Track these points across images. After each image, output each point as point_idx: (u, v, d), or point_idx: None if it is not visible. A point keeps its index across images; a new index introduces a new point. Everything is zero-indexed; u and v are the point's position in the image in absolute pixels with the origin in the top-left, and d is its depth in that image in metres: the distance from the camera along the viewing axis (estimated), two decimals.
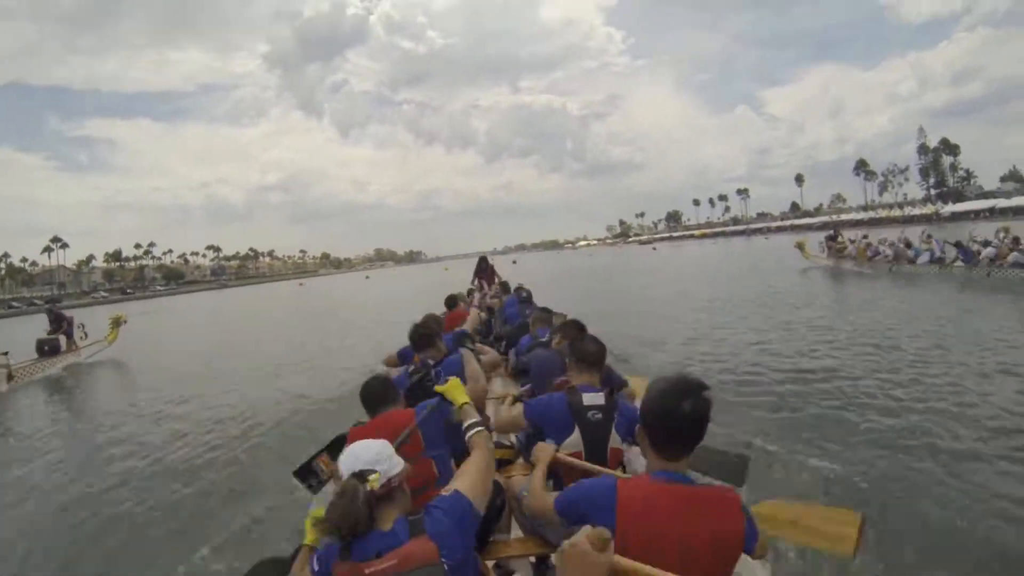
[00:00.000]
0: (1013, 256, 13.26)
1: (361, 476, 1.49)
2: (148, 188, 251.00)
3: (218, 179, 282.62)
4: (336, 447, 2.68)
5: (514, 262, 44.04)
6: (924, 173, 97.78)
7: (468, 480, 1.64)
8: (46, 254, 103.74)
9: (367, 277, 65.80)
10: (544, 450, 2.21)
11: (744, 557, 1.49)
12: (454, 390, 2.07)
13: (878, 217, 73.97)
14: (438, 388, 2.10)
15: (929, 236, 16.90)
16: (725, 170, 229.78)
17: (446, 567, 1.42)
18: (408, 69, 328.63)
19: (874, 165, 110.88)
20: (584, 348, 2.52)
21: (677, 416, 1.43)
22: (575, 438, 2.26)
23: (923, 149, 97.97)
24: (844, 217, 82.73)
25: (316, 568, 1.46)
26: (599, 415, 2.27)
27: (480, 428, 1.90)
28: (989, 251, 13.95)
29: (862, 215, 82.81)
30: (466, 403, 2.01)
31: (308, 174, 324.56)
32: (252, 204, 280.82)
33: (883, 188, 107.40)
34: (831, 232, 23.05)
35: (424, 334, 3.36)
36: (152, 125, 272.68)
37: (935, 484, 3.88)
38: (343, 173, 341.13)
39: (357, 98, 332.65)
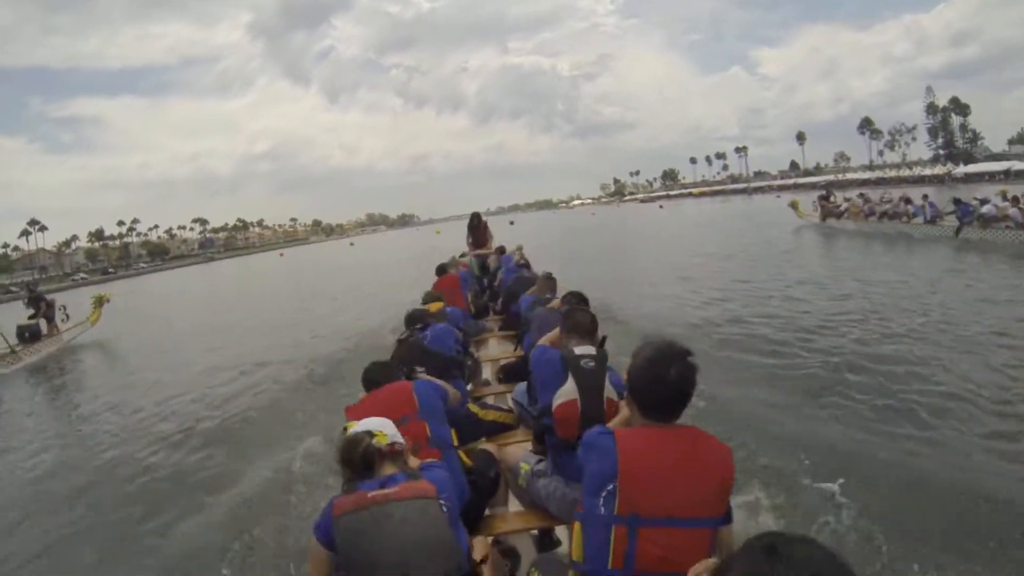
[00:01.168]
0: (1013, 211, 12.99)
1: (369, 433, 1.76)
2: (135, 165, 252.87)
3: (206, 152, 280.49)
4: None
5: (511, 223, 42.75)
6: (933, 133, 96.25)
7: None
8: (24, 238, 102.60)
9: (351, 244, 63.92)
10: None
11: None
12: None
13: (886, 177, 71.99)
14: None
15: (925, 196, 16.92)
16: (717, 129, 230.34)
17: (443, 507, 1.61)
18: (395, 33, 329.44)
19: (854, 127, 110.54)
20: (576, 319, 2.58)
21: (664, 382, 1.49)
22: (570, 386, 2.29)
23: (931, 108, 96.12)
24: (850, 176, 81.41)
25: (318, 521, 1.65)
26: (592, 363, 2.32)
27: None
28: (988, 208, 13.79)
29: (868, 174, 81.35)
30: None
31: (297, 142, 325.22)
32: (241, 175, 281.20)
33: (890, 147, 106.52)
34: (823, 192, 23.25)
35: (418, 315, 3.96)
36: (136, 101, 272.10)
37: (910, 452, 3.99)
38: (332, 140, 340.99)
39: (344, 64, 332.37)
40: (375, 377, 2.60)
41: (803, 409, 4.90)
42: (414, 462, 1.85)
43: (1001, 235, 13.15)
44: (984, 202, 14.19)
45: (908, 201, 17.16)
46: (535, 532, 2.48)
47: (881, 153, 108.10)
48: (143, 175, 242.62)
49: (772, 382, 5.62)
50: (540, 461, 2.47)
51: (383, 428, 1.79)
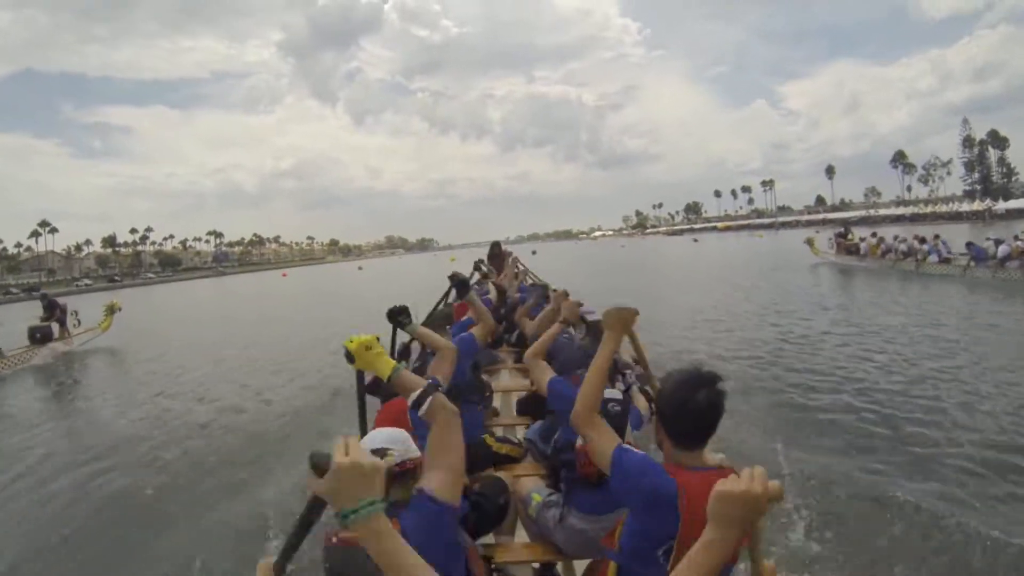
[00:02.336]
0: None
1: (378, 453, 1.49)
2: (163, 174, 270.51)
3: (232, 165, 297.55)
4: None
5: (534, 252, 41.68)
6: (969, 167, 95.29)
7: (437, 475, 1.57)
8: (34, 239, 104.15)
9: (360, 268, 62.23)
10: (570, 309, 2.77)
11: None
12: (364, 355, 1.81)
13: (921, 213, 71.21)
14: (345, 343, 1.84)
15: (936, 236, 17.78)
16: (741, 163, 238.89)
17: None
18: (423, 57, 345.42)
19: (885, 160, 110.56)
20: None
21: (693, 407, 1.53)
22: None
23: (968, 142, 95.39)
24: (883, 212, 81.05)
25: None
26: (618, 408, 2.34)
27: (430, 400, 1.63)
28: (1003, 249, 14.30)
29: (902, 210, 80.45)
30: (396, 369, 1.77)
31: (322, 161, 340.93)
32: (266, 190, 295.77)
33: (924, 181, 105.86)
34: (840, 229, 23.96)
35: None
36: (167, 112, 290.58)
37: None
38: (357, 160, 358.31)
39: (371, 86, 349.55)
40: (389, 391, 2.48)
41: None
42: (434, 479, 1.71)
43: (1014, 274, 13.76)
44: (999, 243, 14.73)
45: (923, 241, 17.89)
46: (536, 565, 2.47)
47: (909, 189, 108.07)
48: (169, 185, 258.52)
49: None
50: (552, 494, 2.50)
51: (391, 442, 1.62)
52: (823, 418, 5.84)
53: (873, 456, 4.83)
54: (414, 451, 1.65)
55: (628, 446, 1.72)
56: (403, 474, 1.57)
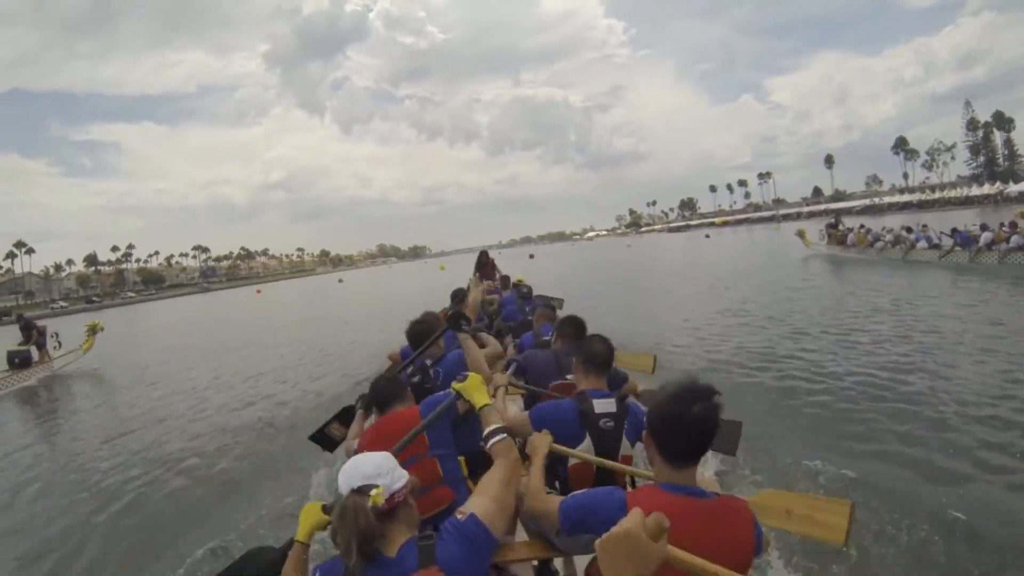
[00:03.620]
0: (1014, 239, 14.12)
1: (362, 492, 1.49)
2: (152, 190, 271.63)
3: (222, 179, 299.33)
4: (345, 416, 3.33)
5: (531, 256, 41.54)
6: (974, 151, 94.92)
7: (487, 502, 1.60)
8: (11, 260, 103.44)
9: (340, 281, 59.97)
10: (541, 441, 2.20)
11: None
12: (473, 391, 2.02)
13: (929, 199, 69.87)
14: (455, 386, 2.08)
15: (925, 226, 18.62)
16: (730, 158, 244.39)
17: None
18: (409, 64, 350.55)
19: (875, 151, 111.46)
20: (592, 349, 2.51)
21: (686, 421, 1.49)
22: (586, 447, 2.30)
23: (972, 124, 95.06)
24: (888, 200, 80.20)
25: (325, 567, 1.52)
26: (611, 423, 2.31)
27: (503, 436, 1.84)
28: (986, 235, 14.96)
29: (908, 197, 79.12)
30: (486, 405, 1.97)
31: (311, 171, 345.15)
32: (256, 203, 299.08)
33: (928, 167, 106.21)
34: (831, 220, 24.63)
35: (421, 331, 3.34)
36: (154, 128, 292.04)
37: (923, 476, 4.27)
38: (346, 169, 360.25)
39: (359, 94, 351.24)
40: (385, 395, 2.51)
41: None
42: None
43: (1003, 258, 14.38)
44: (984, 228, 15.41)
45: (909, 230, 18.68)
46: (535, 563, 2.54)
47: (906, 176, 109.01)
48: (160, 201, 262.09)
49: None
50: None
51: (377, 475, 1.54)
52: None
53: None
54: (400, 477, 1.59)
55: (573, 493, 1.80)
56: (390, 511, 1.51)
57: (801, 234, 25.00)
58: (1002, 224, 15.08)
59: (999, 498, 3.89)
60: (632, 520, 0.95)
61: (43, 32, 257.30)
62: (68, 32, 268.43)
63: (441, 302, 7.80)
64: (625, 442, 2.32)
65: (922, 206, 66.51)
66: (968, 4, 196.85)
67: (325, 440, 3.37)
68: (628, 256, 46.98)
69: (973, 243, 15.40)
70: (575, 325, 3.35)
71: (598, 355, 2.47)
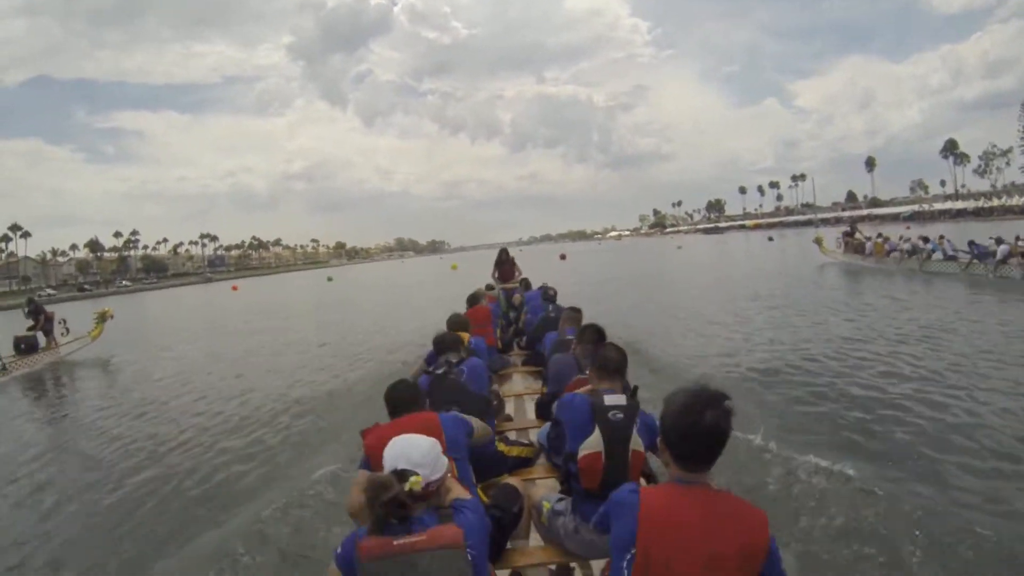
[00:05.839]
0: None
1: (402, 476, 1.75)
2: (174, 178, 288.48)
3: (244, 168, 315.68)
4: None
5: (562, 257, 37.70)
6: None
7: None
8: (13, 243, 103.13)
9: (329, 279, 53.60)
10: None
11: None
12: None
13: (986, 207, 66.48)
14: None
15: (941, 237, 19.10)
16: (754, 161, 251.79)
17: (469, 556, 1.71)
18: (432, 59, 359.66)
19: (900, 157, 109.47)
20: (606, 356, 2.80)
21: (699, 428, 1.58)
22: (595, 438, 2.50)
23: None
24: (939, 207, 76.91)
25: (339, 551, 1.77)
26: (620, 415, 2.51)
27: None
28: (1003, 248, 15.41)
29: (961, 204, 75.03)
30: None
31: (332, 163, 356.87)
32: (277, 193, 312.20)
33: (981, 173, 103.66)
34: (848, 228, 25.26)
35: (451, 341, 4.03)
36: (178, 117, 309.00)
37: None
38: (367, 162, 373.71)
39: (381, 88, 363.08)
40: (404, 399, 2.72)
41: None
42: (456, 489, 2.03)
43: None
44: (1000, 242, 15.83)
45: (926, 240, 19.24)
46: (552, 567, 2.69)
47: (943, 183, 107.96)
48: (182, 188, 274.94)
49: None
50: (560, 500, 2.73)
51: (421, 464, 1.81)
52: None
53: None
54: (440, 468, 1.89)
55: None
56: (428, 495, 1.82)
57: (819, 241, 25.74)
58: (1018, 237, 15.57)
59: None
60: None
61: (71, 21, 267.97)
62: (97, 21, 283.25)
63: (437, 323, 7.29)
64: (636, 438, 2.52)
65: (979, 214, 64.05)
66: (997, 12, 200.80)
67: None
68: (687, 261, 39.22)
69: (990, 257, 15.78)
70: (596, 332, 3.68)
71: (611, 361, 2.77)
